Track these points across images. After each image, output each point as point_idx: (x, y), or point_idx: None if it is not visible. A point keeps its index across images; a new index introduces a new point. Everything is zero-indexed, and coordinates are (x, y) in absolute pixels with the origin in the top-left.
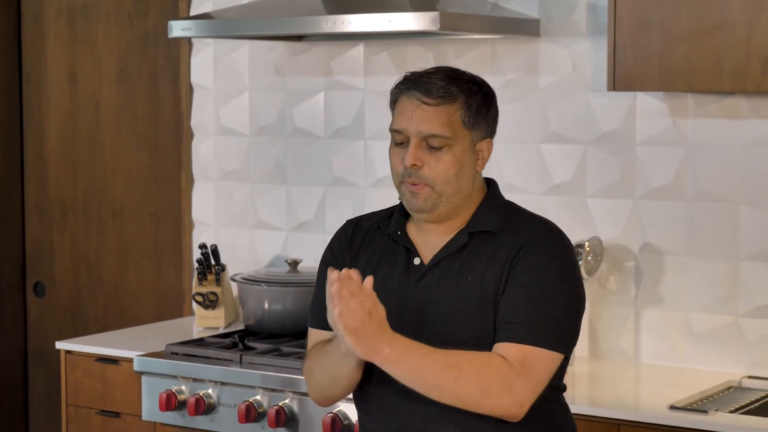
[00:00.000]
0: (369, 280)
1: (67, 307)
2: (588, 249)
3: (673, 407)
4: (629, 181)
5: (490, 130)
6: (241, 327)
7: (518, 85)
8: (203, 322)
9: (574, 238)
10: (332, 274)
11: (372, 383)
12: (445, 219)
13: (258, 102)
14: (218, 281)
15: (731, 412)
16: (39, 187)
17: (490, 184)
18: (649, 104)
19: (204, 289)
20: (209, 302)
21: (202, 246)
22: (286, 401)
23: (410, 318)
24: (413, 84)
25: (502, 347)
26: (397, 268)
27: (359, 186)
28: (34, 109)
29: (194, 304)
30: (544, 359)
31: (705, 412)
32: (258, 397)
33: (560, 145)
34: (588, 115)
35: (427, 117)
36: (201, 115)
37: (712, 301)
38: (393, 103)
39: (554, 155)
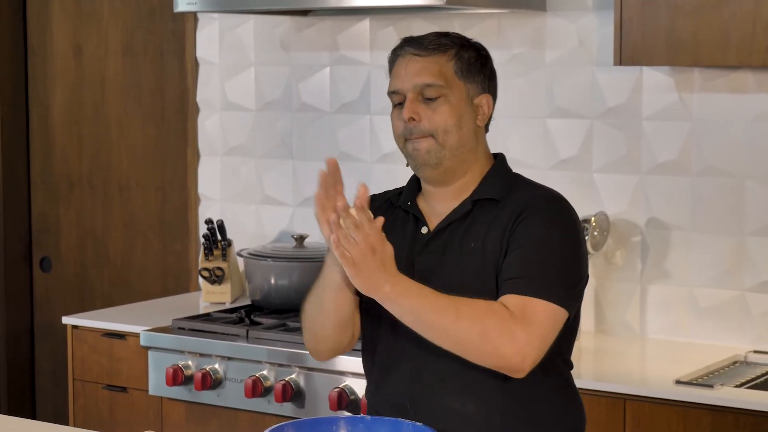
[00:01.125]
0: (380, 220)
1: (74, 281)
2: (594, 224)
3: (678, 382)
4: (635, 156)
5: (487, 87)
6: (248, 302)
7: (524, 60)
8: (209, 297)
9: (580, 213)
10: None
11: (377, 355)
12: (451, 178)
13: (264, 77)
14: (224, 256)
15: (737, 386)
16: (45, 161)
17: (498, 157)
18: (655, 79)
19: (210, 264)
20: (215, 277)
21: (209, 221)
22: (293, 376)
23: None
24: (406, 43)
25: (503, 299)
26: (405, 237)
27: (365, 161)
28: (40, 84)
29: (200, 279)
30: (546, 310)
31: (711, 386)
32: (264, 372)
33: (566, 119)
34: (594, 90)
35: (418, 68)
36: (207, 90)
37: (718, 276)
38: (390, 70)
39: (560, 130)
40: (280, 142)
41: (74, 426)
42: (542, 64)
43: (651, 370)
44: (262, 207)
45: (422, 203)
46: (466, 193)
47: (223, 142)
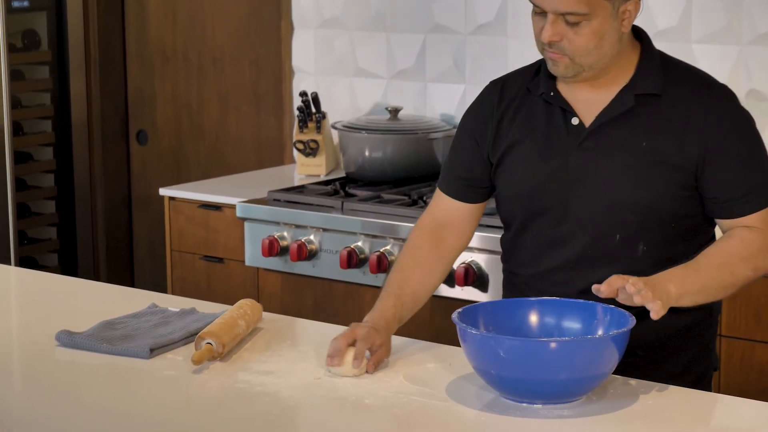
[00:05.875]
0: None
1: (169, 154)
2: None
3: None
4: (736, 26)
5: None
6: (342, 174)
7: None
8: (304, 170)
9: None
10: None
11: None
12: (594, 79)
13: None
14: (319, 129)
15: None
16: (139, 36)
17: (643, 39)
18: None
19: (305, 137)
20: (310, 150)
21: (303, 94)
22: (387, 247)
23: (577, 181)
24: None
25: (746, 220)
26: (555, 130)
27: (459, 33)
28: None
29: (295, 152)
30: None
31: None
32: (359, 244)
33: None
34: None
35: None
36: None
37: None
38: None
39: (659, 0)
40: (374, 15)
41: (172, 295)
42: None
43: None
44: (356, 80)
45: (565, 90)
46: (617, 83)
47: (317, 15)
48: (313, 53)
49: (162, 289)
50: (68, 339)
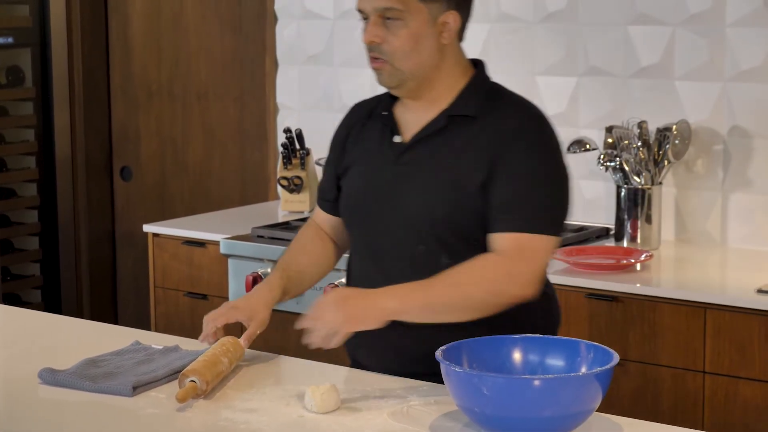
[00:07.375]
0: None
1: (154, 190)
2: (675, 132)
3: (760, 291)
4: (718, 62)
5: (454, 3)
6: None
7: None
8: (288, 206)
9: (661, 121)
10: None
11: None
12: (421, 94)
13: None
14: (303, 165)
15: None
16: (124, 71)
17: (478, 66)
18: None
19: (289, 173)
20: (294, 186)
21: (287, 130)
22: None
23: (387, 194)
24: None
25: (498, 238)
26: (382, 148)
27: None
28: None
29: (279, 188)
30: (542, 243)
31: None
32: (343, 280)
33: (648, 26)
34: None
35: None
36: None
37: None
38: None
39: (642, 37)
40: (358, 51)
41: (156, 332)
42: None
43: (732, 279)
44: (340, 116)
45: (400, 111)
46: (441, 106)
47: (301, 51)
48: (298, 89)
49: (145, 325)
50: (51, 377)
